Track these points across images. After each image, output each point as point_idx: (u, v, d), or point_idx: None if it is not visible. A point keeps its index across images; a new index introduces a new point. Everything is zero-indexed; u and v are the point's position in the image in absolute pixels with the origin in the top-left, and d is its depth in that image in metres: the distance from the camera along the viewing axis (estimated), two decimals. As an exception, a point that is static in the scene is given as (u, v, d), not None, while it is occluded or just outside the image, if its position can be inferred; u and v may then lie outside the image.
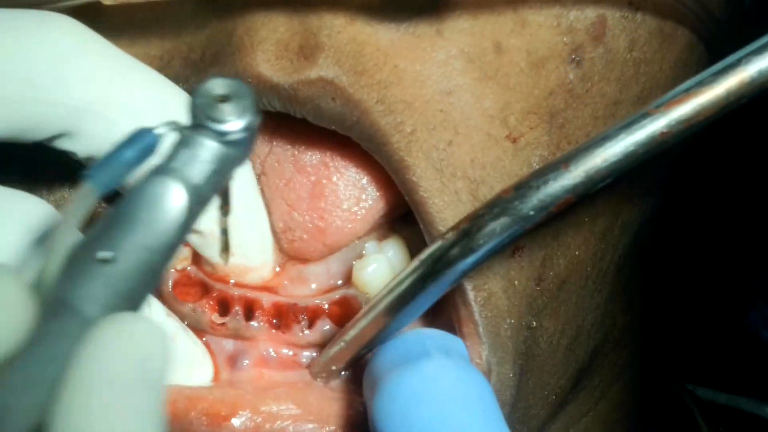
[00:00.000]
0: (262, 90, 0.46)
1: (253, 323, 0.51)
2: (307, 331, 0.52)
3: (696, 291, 0.84)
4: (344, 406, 0.47)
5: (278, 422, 0.46)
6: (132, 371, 0.33)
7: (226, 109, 0.37)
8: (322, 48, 0.45)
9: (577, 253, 0.51)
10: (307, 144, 0.51)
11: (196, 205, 0.37)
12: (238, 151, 0.38)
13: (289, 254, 0.53)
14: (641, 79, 0.50)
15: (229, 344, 0.51)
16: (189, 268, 0.52)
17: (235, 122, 0.37)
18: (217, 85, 0.38)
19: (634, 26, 0.49)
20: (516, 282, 0.49)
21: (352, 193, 0.51)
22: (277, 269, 0.53)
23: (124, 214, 0.36)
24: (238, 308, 0.51)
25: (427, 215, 0.47)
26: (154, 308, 0.49)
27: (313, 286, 0.53)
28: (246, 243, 0.50)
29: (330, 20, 0.46)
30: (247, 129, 0.37)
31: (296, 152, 0.51)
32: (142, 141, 0.37)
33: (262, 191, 0.51)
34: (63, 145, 0.44)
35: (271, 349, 0.51)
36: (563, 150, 0.48)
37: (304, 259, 0.53)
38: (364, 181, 0.51)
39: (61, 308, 0.34)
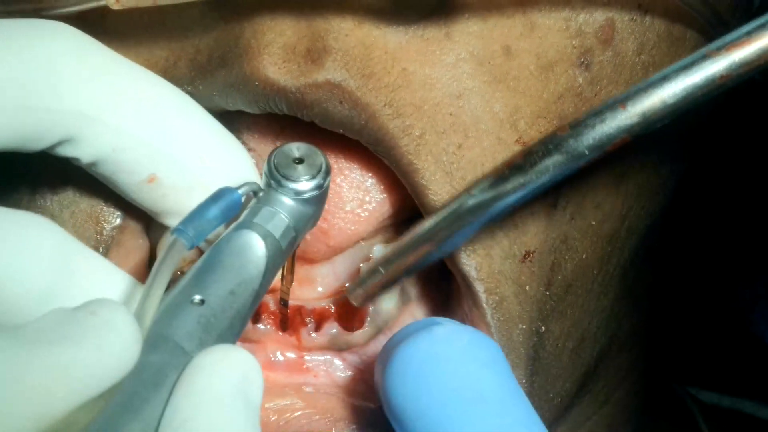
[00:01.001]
0: (269, 93, 0.46)
1: (260, 326, 0.51)
2: (314, 334, 0.51)
3: (699, 293, 0.84)
4: (353, 405, 0.47)
5: (287, 415, 0.46)
6: (235, 393, 0.36)
7: (301, 169, 0.44)
8: (330, 51, 0.45)
9: (584, 256, 0.51)
10: (314, 144, 0.51)
11: (275, 256, 0.42)
12: (311, 208, 0.44)
13: (301, 257, 0.53)
14: None
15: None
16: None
17: (309, 182, 0.44)
18: (294, 148, 0.44)
19: (643, 29, 0.49)
20: (527, 287, 0.49)
21: (355, 195, 0.51)
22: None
23: (214, 261, 0.41)
24: None
25: None
26: None
27: (320, 288, 0.53)
28: None
29: (338, 23, 0.45)
30: (319, 187, 0.44)
31: None
32: (225, 199, 0.42)
33: None
34: (66, 152, 0.44)
35: (278, 352, 0.51)
36: None
37: (309, 260, 0.53)
38: (369, 183, 0.51)
39: (162, 343, 0.37)
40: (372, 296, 0.50)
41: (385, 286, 0.49)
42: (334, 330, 0.52)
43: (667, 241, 0.62)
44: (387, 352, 0.42)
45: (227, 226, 0.44)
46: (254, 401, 0.37)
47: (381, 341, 0.53)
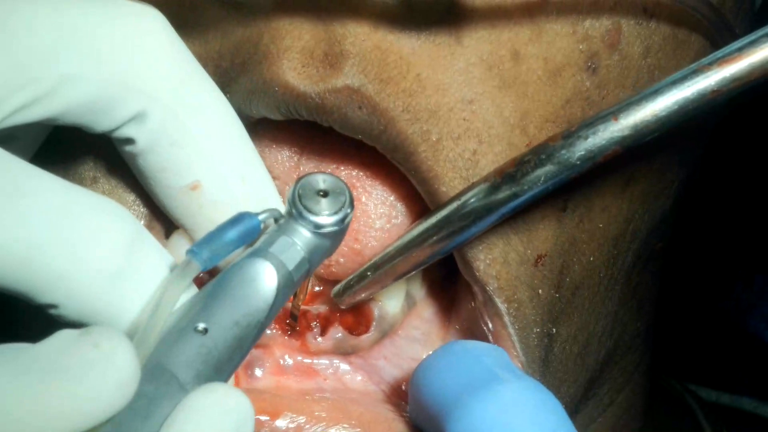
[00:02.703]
0: (288, 99, 0.46)
1: (267, 331, 0.51)
2: (319, 339, 0.51)
3: (698, 292, 0.84)
4: (364, 409, 0.47)
5: (321, 425, 0.46)
6: None
7: (325, 203, 0.42)
8: (348, 56, 0.45)
9: (591, 258, 0.51)
10: (333, 165, 0.51)
11: (286, 288, 0.41)
12: (329, 242, 0.43)
13: (327, 279, 0.53)
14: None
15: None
16: (202, 275, 0.52)
17: (331, 216, 0.42)
18: (320, 180, 0.43)
19: (649, 33, 0.49)
20: (540, 291, 0.49)
21: (383, 212, 0.51)
22: (318, 288, 0.54)
23: (222, 288, 0.40)
24: None
25: None
26: None
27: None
28: None
29: (354, 28, 0.45)
30: (340, 223, 0.42)
31: (323, 167, 0.51)
32: (244, 224, 0.40)
33: None
34: (128, 130, 0.44)
35: (287, 356, 0.51)
36: None
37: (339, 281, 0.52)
38: (392, 198, 0.51)
39: (159, 372, 0.37)
40: (358, 299, 0.50)
41: (372, 290, 0.50)
42: (340, 334, 0.52)
43: (669, 243, 0.62)
44: (434, 403, 0.41)
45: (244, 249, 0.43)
46: None
47: (387, 345, 0.53)
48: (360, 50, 0.45)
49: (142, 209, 0.50)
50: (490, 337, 0.49)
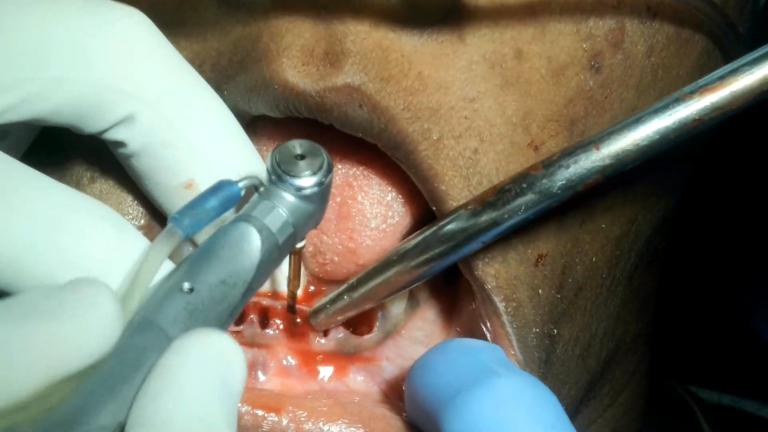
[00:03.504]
0: (289, 97, 0.46)
1: (269, 331, 0.51)
2: (322, 340, 0.51)
3: (699, 293, 0.84)
4: (368, 409, 0.47)
5: (322, 420, 0.45)
6: (212, 374, 0.35)
7: (303, 165, 0.43)
8: (348, 54, 0.45)
9: (594, 259, 0.51)
10: (333, 156, 0.50)
11: (271, 250, 0.41)
12: (312, 205, 0.43)
13: (320, 277, 0.53)
14: (659, 84, 0.50)
15: (247, 353, 0.50)
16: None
17: (309, 177, 0.42)
18: (296, 145, 0.43)
19: (652, 32, 0.49)
20: (540, 291, 0.49)
21: (378, 211, 0.51)
22: (312, 288, 0.53)
23: (207, 251, 0.40)
24: (253, 316, 0.51)
25: None
26: None
27: (329, 294, 0.53)
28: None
29: (354, 26, 0.45)
30: (320, 184, 0.43)
31: None
32: (224, 192, 0.41)
33: None
34: (119, 133, 0.44)
35: (290, 357, 0.51)
36: None
37: (336, 281, 0.52)
38: (389, 197, 0.51)
39: (147, 326, 0.37)
40: (333, 322, 0.50)
41: (348, 313, 0.50)
42: (342, 334, 0.52)
43: (671, 243, 0.62)
44: (432, 399, 0.41)
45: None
46: (233, 386, 0.36)
47: (389, 345, 0.53)
48: (361, 48, 0.45)
49: (142, 208, 0.50)
50: (489, 337, 0.49)
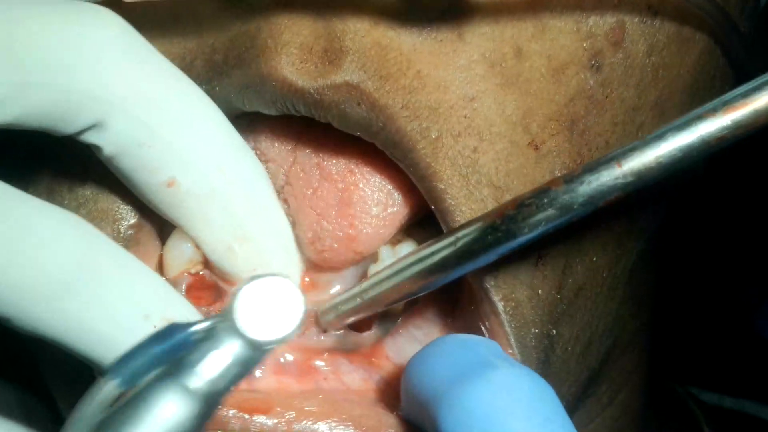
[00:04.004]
0: (286, 94, 0.46)
1: None
2: (321, 337, 0.51)
3: (700, 293, 0.84)
4: (366, 409, 0.47)
5: (311, 419, 0.45)
6: None
7: (271, 318, 0.35)
8: (347, 52, 0.45)
9: (594, 259, 0.51)
10: (331, 152, 0.50)
11: (207, 412, 0.35)
12: (265, 355, 0.36)
13: (317, 265, 0.52)
14: (660, 84, 0.50)
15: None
16: (203, 272, 0.52)
17: (278, 333, 0.35)
18: (267, 285, 0.35)
19: (653, 31, 0.49)
20: (540, 291, 0.48)
21: (380, 199, 0.50)
22: (306, 280, 0.53)
23: (129, 418, 0.34)
24: None
25: (455, 224, 0.46)
26: None
27: (329, 291, 0.53)
28: (270, 258, 0.50)
29: (353, 24, 0.45)
30: (286, 340, 0.35)
31: (321, 161, 0.50)
32: (173, 338, 0.35)
33: (287, 201, 0.51)
34: (92, 138, 0.44)
35: (287, 354, 0.50)
36: (584, 157, 0.48)
37: (331, 268, 0.52)
38: (390, 186, 0.50)
39: None
40: (342, 323, 0.50)
41: (359, 315, 0.49)
42: (340, 332, 0.52)
43: (672, 243, 0.62)
44: (428, 392, 0.40)
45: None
46: None
47: (389, 342, 0.52)
48: (360, 46, 0.45)
49: (132, 206, 0.50)
50: (488, 337, 0.49)
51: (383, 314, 0.52)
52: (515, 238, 0.44)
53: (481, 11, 0.46)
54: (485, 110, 0.46)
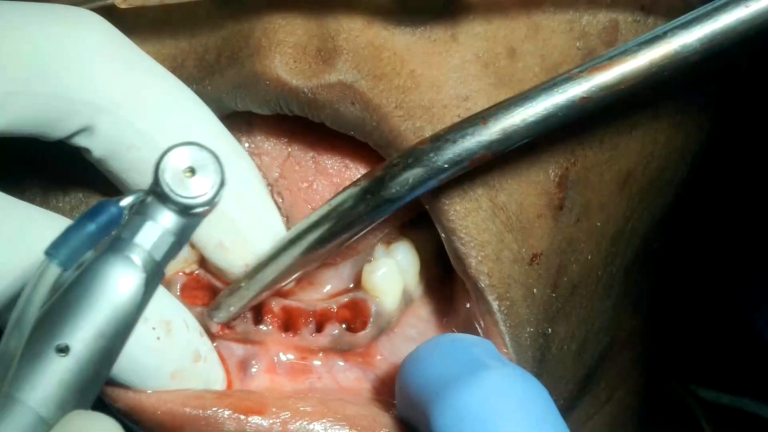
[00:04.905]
0: (280, 94, 0.46)
1: (262, 327, 0.51)
2: (317, 336, 0.51)
3: (699, 291, 0.84)
4: (361, 408, 0.47)
5: (306, 420, 0.45)
6: None
7: (194, 182, 0.36)
8: (341, 52, 0.45)
9: (589, 257, 0.51)
10: (325, 147, 0.51)
11: (153, 280, 0.36)
12: (201, 219, 0.37)
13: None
14: None
15: (239, 349, 0.51)
16: (197, 271, 0.52)
17: (202, 196, 0.36)
18: (186, 154, 0.36)
19: (646, 30, 0.49)
20: (534, 289, 0.49)
21: None
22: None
23: (79, 296, 0.35)
24: (247, 311, 0.51)
25: (449, 223, 0.46)
26: (191, 328, 0.48)
27: (323, 290, 0.53)
28: (262, 252, 0.50)
29: (347, 24, 0.45)
30: (211, 202, 0.36)
31: (316, 155, 0.51)
32: (105, 213, 0.36)
33: (281, 195, 0.51)
34: (81, 142, 0.44)
35: (281, 354, 0.51)
36: (578, 156, 0.48)
37: (325, 264, 0.52)
38: None
39: (17, 410, 0.33)
40: (235, 314, 0.50)
41: (247, 302, 0.49)
42: (336, 331, 0.52)
43: (669, 241, 0.62)
44: (421, 392, 0.41)
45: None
46: None
47: (384, 342, 0.53)
48: (353, 46, 0.45)
49: None
50: (483, 336, 0.49)
51: (377, 313, 0.52)
52: (388, 200, 0.44)
53: (474, 11, 0.46)
54: (479, 110, 0.46)
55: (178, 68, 0.48)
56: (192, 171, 0.36)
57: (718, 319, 0.86)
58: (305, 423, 0.45)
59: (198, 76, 0.47)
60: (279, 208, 0.51)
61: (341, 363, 0.52)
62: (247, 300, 0.49)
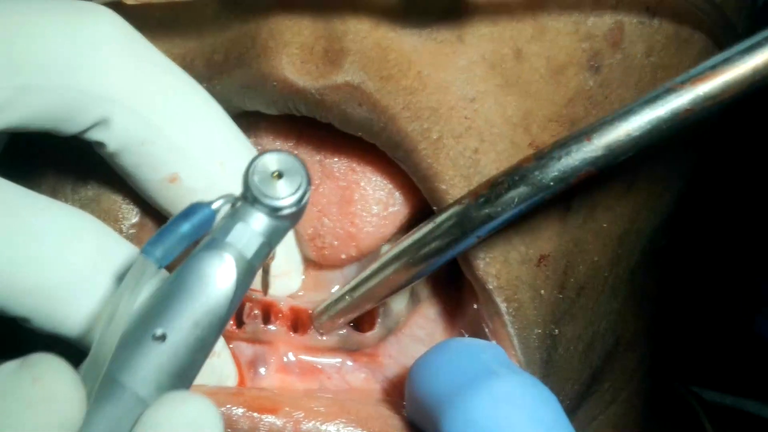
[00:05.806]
0: (287, 94, 0.46)
1: (271, 327, 0.51)
2: (324, 337, 0.51)
3: (702, 293, 0.84)
4: (370, 408, 0.47)
5: (319, 420, 0.45)
6: None
7: (281, 184, 0.39)
8: (348, 53, 0.45)
9: (596, 258, 0.51)
10: (332, 149, 0.51)
11: (246, 278, 0.39)
12: (289, 222, 0.40)
13: (317, 262, 0.53)
14: (658, 84, 0.50)
15: (248, 349, 0.51)
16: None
17: (289, 198, 0.39)
18: (273, 160, 0.39)
19: (651, 31, 0.49)
20: (542, 291, 0.49)
21: (380, 198, 0.51)
22: (302, 277, 0.53)
23: (177, 288, 0.37)
24: (256, 311, 0.51)
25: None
26: None
27: (330, 290, 0.53)
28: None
29: (354, 25, 0.46)
30: (298, 204, 0.39)
31: (323, 158, 0.51)
32: (197, 215, 0.38)
33: None
34: (96, 135, 0.44)
35: (290, 354, 0.51)
36: None
37: (331, 266, 0.53)
38: (391, 185, 0.51)
39: (118, 390, 0.36)
40: (338, 324, 0.50)
41: (351, 314, 0.50)
42: (344, 331, 0.52)
43: (674, 242, 0.62)
44: (430, 399, 0.41)
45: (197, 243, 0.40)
46: None
47: (391, 342, 0.53)
48: (360, 47, 0.46)
49: (134, 205, 0.50)
50: (490, 338, 0.49)
51: (385, 314, 0.53)
52: (491, 219, 0.44)
53: (481, 13, 0.46)
54: (486, 111, 0.47)
55: (187, 67, 0.48)
56: (279, 175, 0.39)
57: (721, 321, 0.86)
58: (318, 423, 0.45)
59: (207, 76, 0.48)
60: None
61: (350, 363, 0.52)
62: (349, 311, 0.49)
